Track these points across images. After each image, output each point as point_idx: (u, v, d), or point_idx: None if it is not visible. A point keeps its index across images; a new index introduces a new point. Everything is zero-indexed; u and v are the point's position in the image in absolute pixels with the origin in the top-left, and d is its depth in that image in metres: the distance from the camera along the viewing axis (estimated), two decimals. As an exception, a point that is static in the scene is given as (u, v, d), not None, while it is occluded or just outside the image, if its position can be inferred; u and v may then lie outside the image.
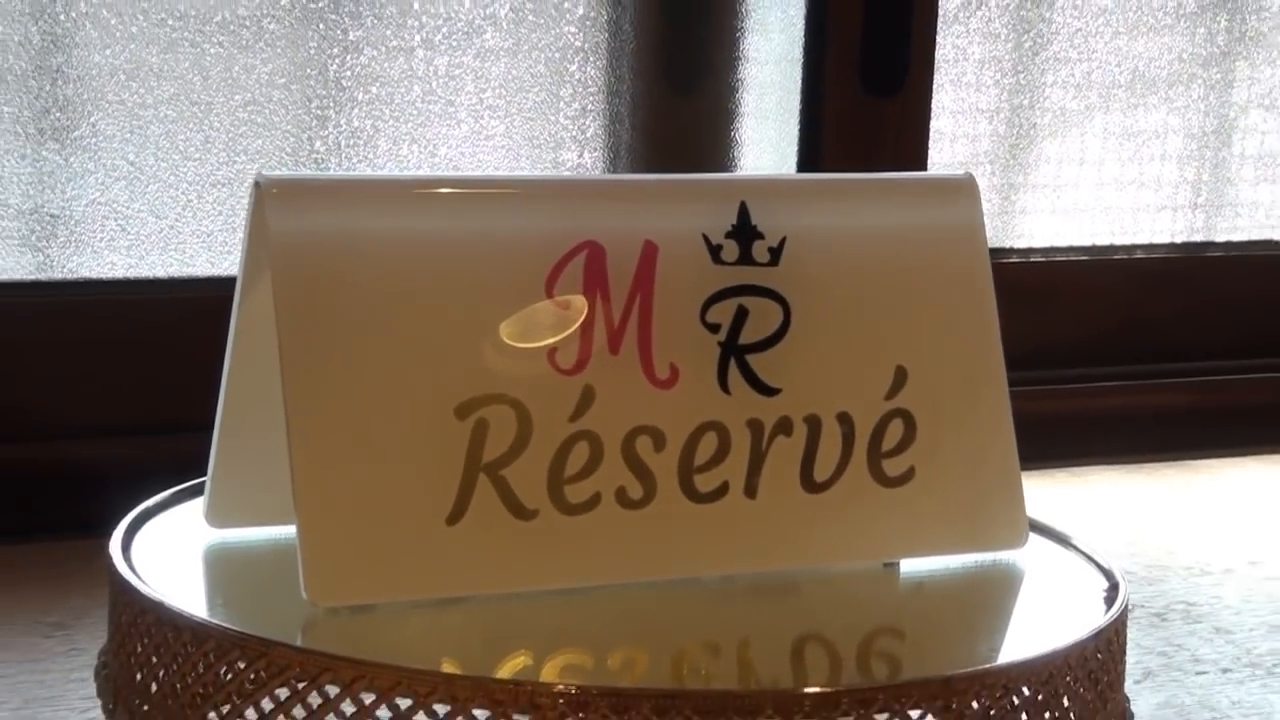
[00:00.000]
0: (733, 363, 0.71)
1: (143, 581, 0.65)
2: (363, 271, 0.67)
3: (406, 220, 0.70)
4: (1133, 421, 1.26)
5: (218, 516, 0.72)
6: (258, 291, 0.68)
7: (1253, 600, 1.01)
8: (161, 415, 0.93)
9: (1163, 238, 1.34)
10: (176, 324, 1.05)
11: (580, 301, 0.69)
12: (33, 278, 1.06)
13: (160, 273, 1.08)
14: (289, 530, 0.65)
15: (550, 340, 0.68)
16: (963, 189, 0.76)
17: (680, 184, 0.79)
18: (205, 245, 1.08)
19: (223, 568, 0.70)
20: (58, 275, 1.06)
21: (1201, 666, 0.91)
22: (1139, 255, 1.33)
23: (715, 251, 0.71)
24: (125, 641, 0.64)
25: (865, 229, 0.74)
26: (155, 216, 1.07)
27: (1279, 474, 1.24)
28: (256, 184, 0.68)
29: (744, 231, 0.71)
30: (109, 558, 0.67)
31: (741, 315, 0.71)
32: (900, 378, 0.73)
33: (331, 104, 1.10)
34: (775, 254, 0.71)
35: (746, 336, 0.71)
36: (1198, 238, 1.35)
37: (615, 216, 0.70)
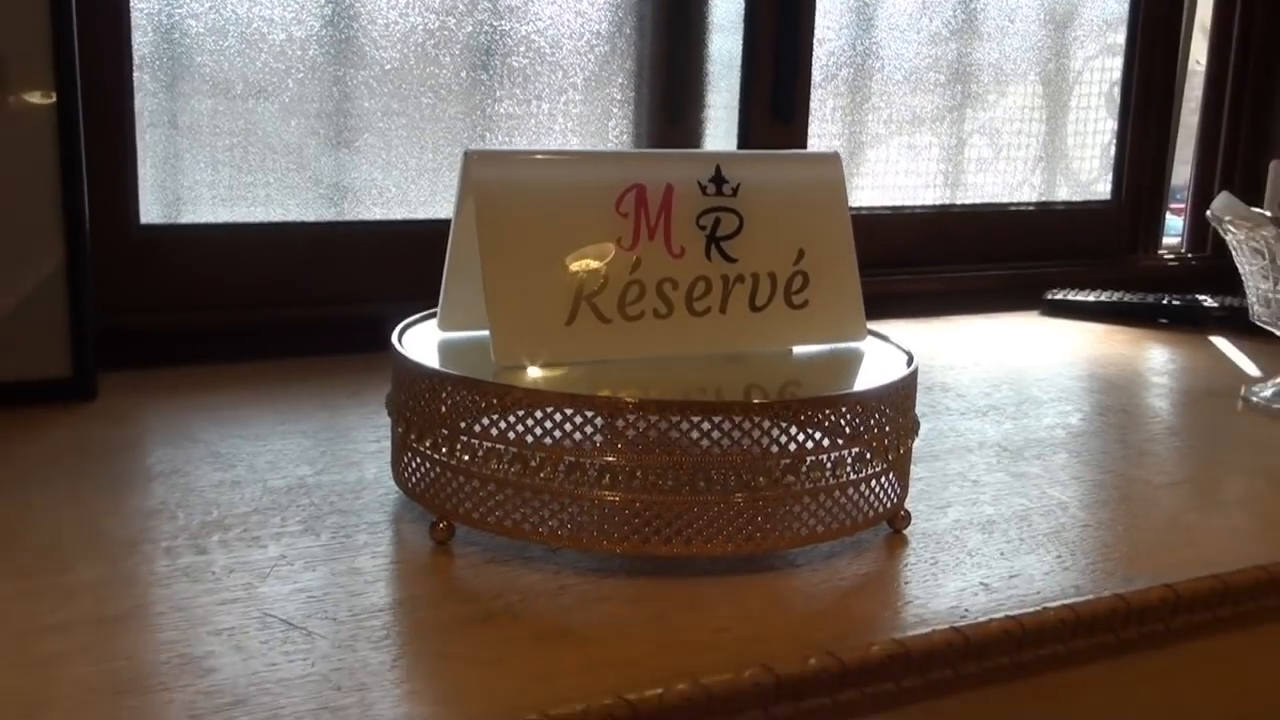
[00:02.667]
0: (713, 245, 0.71)
1: (408, 352, 0.66)
2: (521, 196, 0.68)
3: (540, 172, 0.70)
4: (917, 297, 1.27)
5: (444, 325, 0.73)
6: (465, 210, 0.69)
7: (976, 381, 1.02)
8: (408, 288, 0.94)
9: (928, 202, 1.35)
10: (412, 242, 1.05)
11: (633, 214, 0.69)
12: (331, 219, 1.06)
13: (398, 217, 1.08)
14: (483, 332, 0.66)
15: (617, 232, 0.69)
16: (833, 158, 0.76)
17: (686, 155, 0.80)
18: (425, 202, 1.08)
19: (449, 349, 0.71)
20: (346, 218, 1.06)
21: (950, 412, 0.93)
22: (918, 211, 1.33)
23: (703, 189, 0.71)
24: (400, 386, 0.66)
25: (783, 178, 0.74)
26: (396, 187, 1.07)
27: (991, 324, 1.24)
28: (466, 152, 0.68)
29: (719, 179, 0.71)
30: (392, 344, 0.68)
31: (717, 221, 0.71)
32: (800, 254, 0.73)
33: (487, 130, 1.10)
34: (735, 190, 0.72)
35: (720, 232, 0.71)
36: (945, 202, 1.35)
37: (652, 171, 0.70)
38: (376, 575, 0.60)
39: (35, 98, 0.82)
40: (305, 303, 1.02)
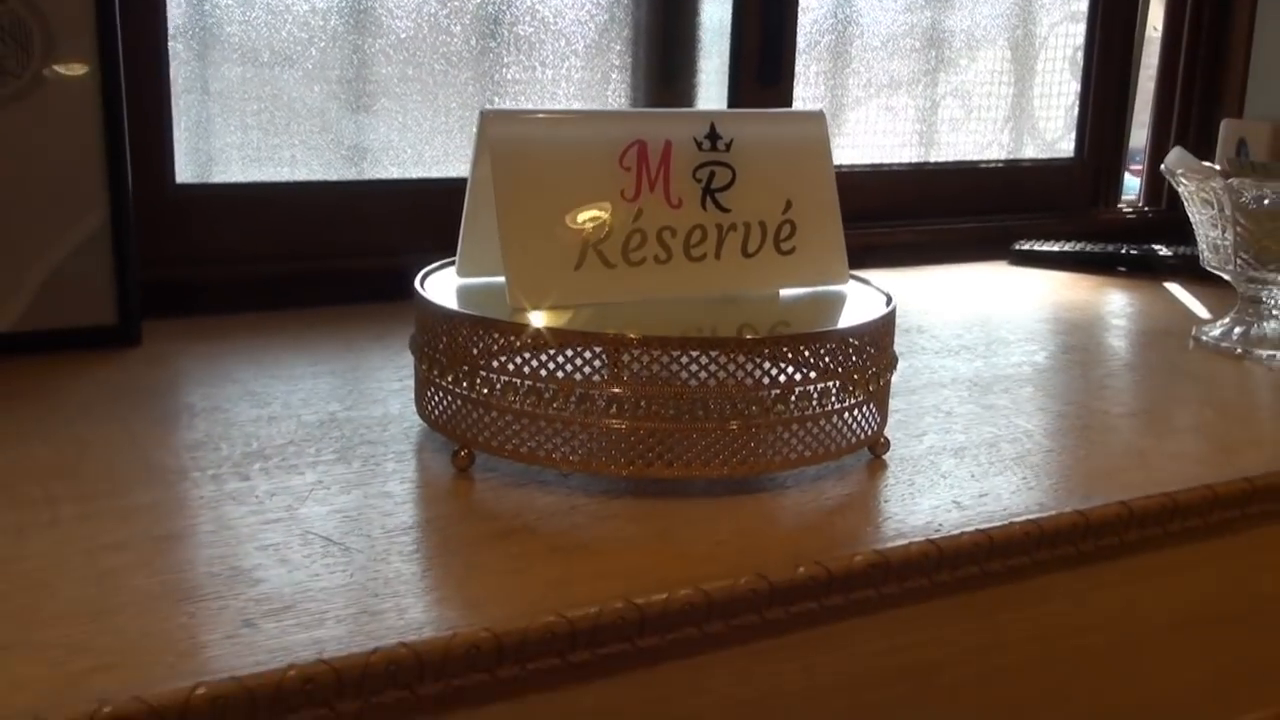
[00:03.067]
0: (708, 197, 0.71)
1: (431, 296, 0.67)
2: (532, 151, 0.68)
3: (550, 130, 0.70)
4: (893, 248, 1.27)
5: (463, 272, 0.73)
6: (481, 165, 0.70)
7: (949, 324, 1.02)
8: (424, 240, 0.96)
9: (904, 159, 1.35)
10: (426, 198, 1.05)
11: (635, 168, 0.69)
12: (352, 178, 1.06)
13: (414, 175, 1.08)
14: (498, 277, 0.67)
15: (620, 185, 0.69)
16: (818, 116, 0.76)
17: (683, 113, 0.79)
18: (438, 161, 1.09)
19: (467, 293, 0.71)
20: (366, 177, 1.07)
21: (925, 351, 0.93)
22: (894, 169, 1.34)
23: (699, 145, 0.71)
24: (423, 327, 0.67)
25: (772, 134, 0.74)
26: (412, 148, 1.08)
27: (963, 273, 1.24)
28: (482, 112, 0.69)
29: (714, 135, 0.72)
30: (415, 288, 0.68)
31: (712, 174, 0.71)
32: (789, 204, 0.73)
33: (497, 94, 1.10)
34: (728, 146, 0.72)
35: (714, 184, 0.71)
36: (920, 160, 1.36)
37: (652, 128, 0.70)
38: (405, 498, 0.62)
39: (81, 68, 0.82)
40: (328, 255, 1.02)
